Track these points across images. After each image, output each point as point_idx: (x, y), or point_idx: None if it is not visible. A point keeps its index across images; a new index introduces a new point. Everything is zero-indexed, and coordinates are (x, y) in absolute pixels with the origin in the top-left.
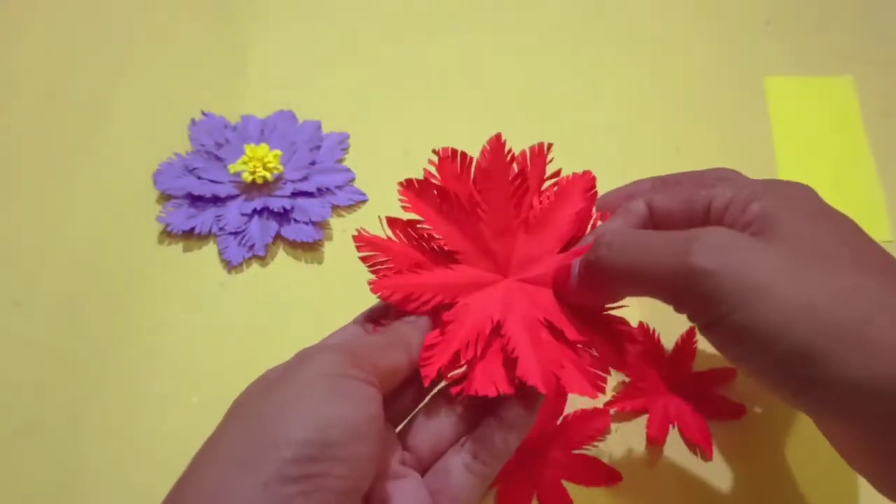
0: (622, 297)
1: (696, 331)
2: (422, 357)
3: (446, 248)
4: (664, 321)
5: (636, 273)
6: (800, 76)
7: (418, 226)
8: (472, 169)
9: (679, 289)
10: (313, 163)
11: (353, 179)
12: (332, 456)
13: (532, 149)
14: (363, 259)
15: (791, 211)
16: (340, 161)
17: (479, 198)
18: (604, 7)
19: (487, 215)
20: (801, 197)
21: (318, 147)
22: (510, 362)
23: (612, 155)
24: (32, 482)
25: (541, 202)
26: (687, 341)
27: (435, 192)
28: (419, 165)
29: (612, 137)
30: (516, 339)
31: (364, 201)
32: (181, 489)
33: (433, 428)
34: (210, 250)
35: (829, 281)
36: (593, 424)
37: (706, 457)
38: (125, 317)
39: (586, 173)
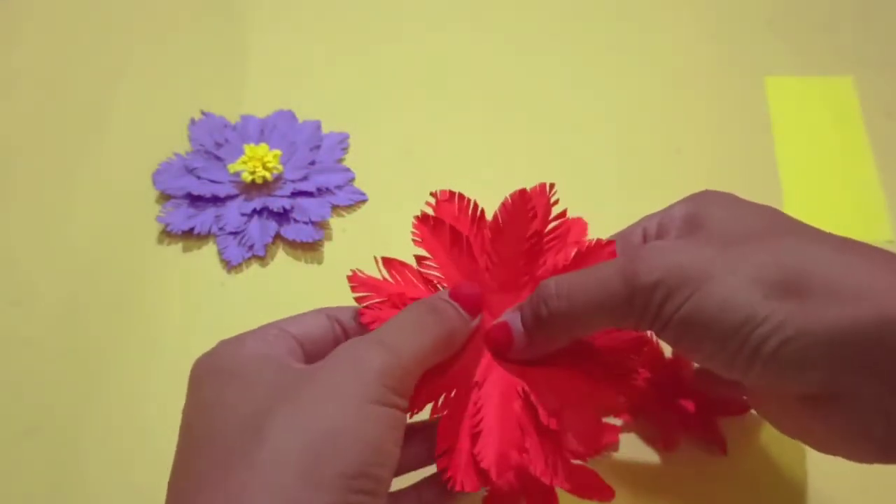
0: (572, 341)
1: None
2: None
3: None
4: None
5: (589, 312)
6: (800, 76)
7: (425, 262)
8: (471, 210)
9: (635, 310)
10: (313, 163)
11: (352, 179)
12: (379, 491)
13: (534, 190)
14: (357, 300)
15: (712, 208)
16: (340, 161)
17: (490, 248)
18: (604, 7)
19: (494, 268)
20: (720, 196)
21: (318, 147)
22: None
23: (612, 155)
24: (33, 482)
25: (555, 262)
26: None
27: (449, 231)
28: (419, 165)
29: (613, 138)
30: (484, 412)
31: (364, 201)
32: (209, 488)
33: None
34: (210, 250)
35: (759, 252)
36: (600, 445)
37: (721, 454)
38: (125, 317)
39: (610, 244)
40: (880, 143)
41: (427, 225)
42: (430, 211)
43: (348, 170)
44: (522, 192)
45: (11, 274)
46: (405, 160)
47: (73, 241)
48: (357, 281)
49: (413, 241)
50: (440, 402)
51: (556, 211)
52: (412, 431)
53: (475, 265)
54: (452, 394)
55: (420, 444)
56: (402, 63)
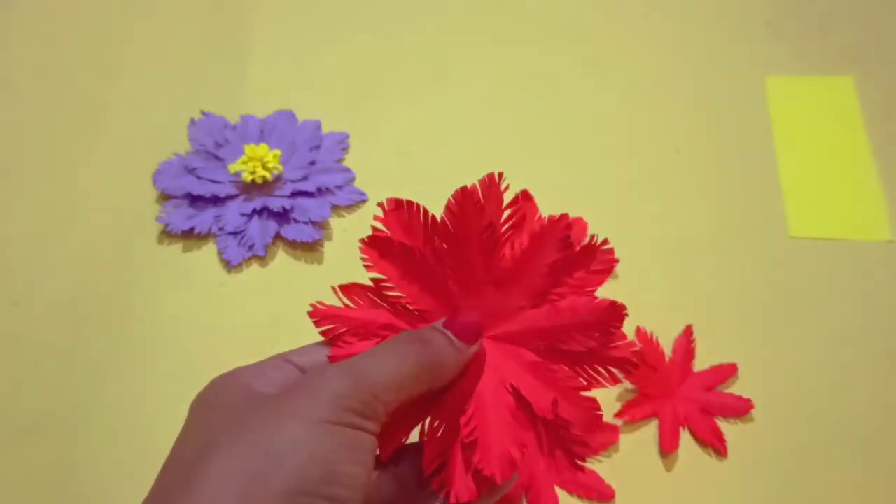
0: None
1: (692, 330)
2: (382, 429)
3: (412, 307)
4: (661, 324)
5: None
6: (800, 76)
7: (382, 284)
8: (422, 217)
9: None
10: (313, 163)
11: (352, 179)
12: None
13: (483, 182)
14: (322, 334)
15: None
16: (340, 161)
17: (445, 254)
18: (604, 8)
19: (454, 272)
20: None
21: (318, 147)
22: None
23: (612, 156)
24: (33, 482)
25: (512, 252)
26: (685, 342)
27: (399, 249)
28: (419, 165)
29: (612, 138)
30: (476, 420)
31: (364, 201)
32: (168, 499)
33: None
34: (210, 250)
35: None
36: (600, 438)
37: (721, 455)
38: (125, 317)
39: (561, 218)
40: (880, 143)
41: (374, 247)
42: (378, 225)
43: (348, 170)
44: (463, 189)
45: (11, 274)
46: (405, 160)
47: (73, 241)
48: (319, 315)
49: (364, 266)
50: (427, 425)
51: (508, 199)
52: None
53: (434, 275)
54: (442, 415)
55: (410, 465)
56: (401, 63)
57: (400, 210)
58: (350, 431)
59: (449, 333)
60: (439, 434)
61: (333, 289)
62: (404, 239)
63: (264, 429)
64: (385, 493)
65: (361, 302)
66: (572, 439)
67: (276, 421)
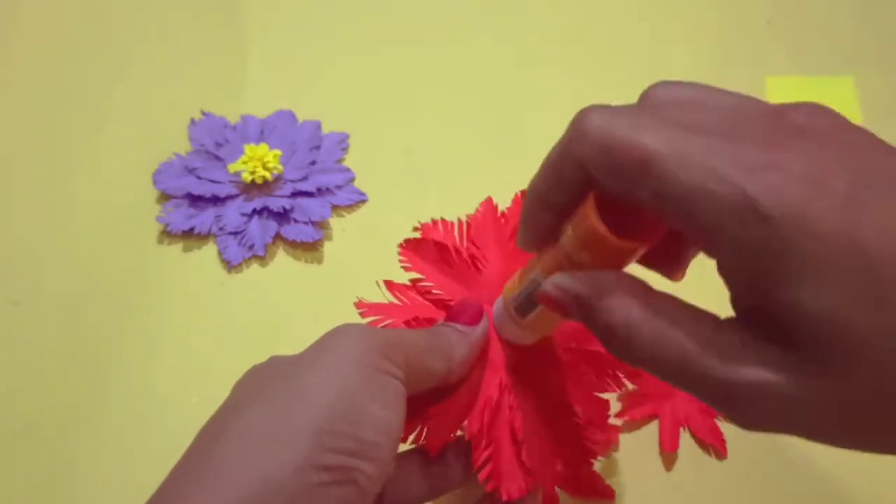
0: None
1: None
2: (429, 426)
3: (451, 303)
4: None
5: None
6: (800, 76)
7: (420, 283)
8: (456, 229)
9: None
10: (313, 162)
11: (352, 179)
12: (366, 454)
13: (517, 198)
14: (371, 325)
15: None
16: (340, 161)
17: (477, 252)
18: (604, 7)
19: (488, 267)
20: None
21: (318, 147)
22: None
23: None
24: (32, 482)
25: None
26: None
27: (434, 248)
28: (419, 165)
29: None
30: (519, 418)
31: (364, 201)
32: (192, 466)
33: (398, 483)
34: (210, 250)
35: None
36: (600, 438)
37: (721, 455)
38: (125, 317)
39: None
40: None
41: (411, 248)
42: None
43: (348, 170)
44: (489, 200)
45: (11, 274)
46: (405, 160)
47: (73, 240)
48: (365, 307)
49: (402, 267)
50: (476, 417)
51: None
52: (445, 449)
53: (470, 270)
54: (479, 400)
55: (455, 460)
56: (402, 63)
57: (436, 227)
58: (376, 373)
59: (451, 324)
60: (484, 425)
61: (377, 283)
62: (453, 243)
63: (290, 376)
64: (426, 488)
65: (405, 299)
66: (588, 438)
67: (302, 366)
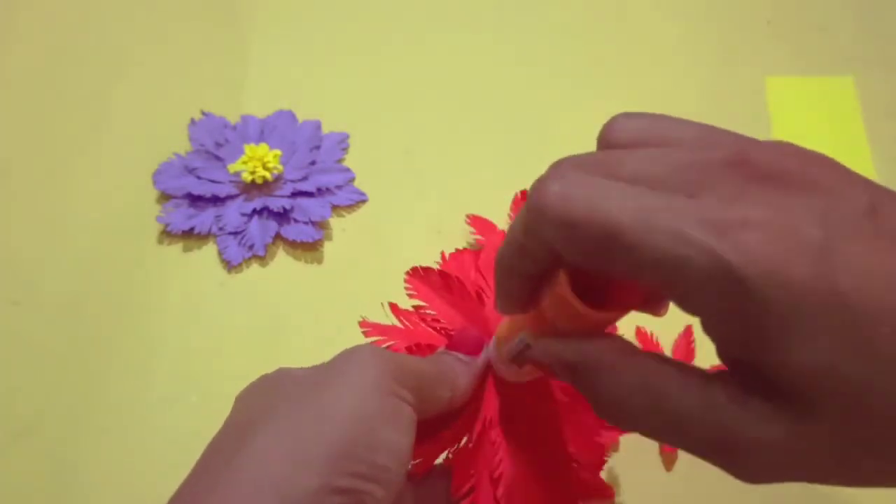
0: None
1: (693, 330)
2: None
3: (452, 332)
4: (661, 324)
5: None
6: (800, 76)
7: (423, 310)
8: (466, 260)
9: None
10: (313, 163)
11: (352, 179)
12: (378, 478)
13: (516, 198)
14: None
15: None
16: (340, 161)
17: (483, 283)
18: (604, 8)
19: (492, 299)
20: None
21: (318, 147)
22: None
23: None
24: (32, 482)
25: None
26: (685, 342)
27: (439, 277)
28: (419, 165)
29: None
30: (503, 454)
31: (364, 201)
32: (210, 479)
33: None
34: (210, 250)
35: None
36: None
37: None
38: (125, 317)
39: None
40: (880, 143)
41: (417, 276)
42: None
43: (348, 170)
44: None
45: (11, 274)
46: (405, 160)
47: (73, 241)
48: (368, 326)
49: (407, 294)
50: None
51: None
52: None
53: (473, 302)
54: (468, 432)
55: (438, 480)
56: (402, 63)
57: (459, 256)
58: (391, 398)
59: (453, 353)
60: (467, 458)
61: (382, 305)
62: (459, 274)
63: (307, 396)
64: None
65: (407, 322)
66: (578, 478)
67: (319, 387)
